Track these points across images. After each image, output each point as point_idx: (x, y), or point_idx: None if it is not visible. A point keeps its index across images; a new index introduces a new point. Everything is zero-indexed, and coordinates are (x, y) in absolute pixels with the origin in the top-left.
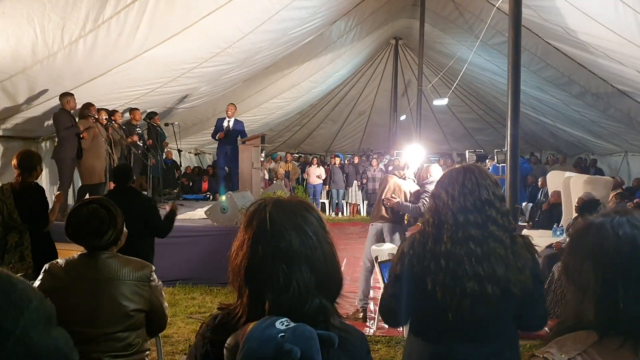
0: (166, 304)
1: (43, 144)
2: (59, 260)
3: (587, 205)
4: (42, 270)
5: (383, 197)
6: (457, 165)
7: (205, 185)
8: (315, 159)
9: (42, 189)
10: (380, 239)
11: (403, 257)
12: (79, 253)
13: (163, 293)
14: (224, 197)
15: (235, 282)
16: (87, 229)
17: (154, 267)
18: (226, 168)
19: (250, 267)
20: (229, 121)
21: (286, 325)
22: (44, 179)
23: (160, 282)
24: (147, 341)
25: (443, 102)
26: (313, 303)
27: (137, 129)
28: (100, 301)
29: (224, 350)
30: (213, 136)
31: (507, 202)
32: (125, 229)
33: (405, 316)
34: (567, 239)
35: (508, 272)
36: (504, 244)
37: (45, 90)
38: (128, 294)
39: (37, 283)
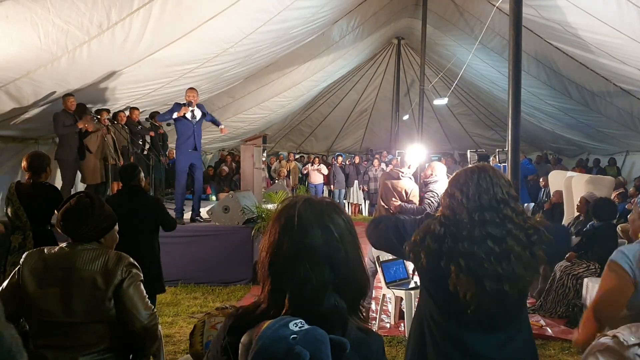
0: (145, 298)
1: (38, 145)
2: (38, 250)
3: (601, 206)
4: (22, 259)
5: (386, 205)
6: (470, 165)
7: (207, 186)
8: (317, 158)
9: (57, 191)
10: None
11: (416, 246)
12: (61, 245)
13: (141, 290)
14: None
15: (260, 275)
16: (70, 216)
17: (131, 260)
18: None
19: (274, 260)
20: (192, 110)
21: (300, 327)
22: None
23: (136, 273)
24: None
25: (443, 101)
26: (328, 302)
27: (139, 128)
28: (71, 289)
29: (240, 346)
30: (167, 117)
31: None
32: (116, 231)
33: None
34: None
35: (526, 273)
36: (522, 243)
37: (51, 93)
38: (99, 283)
39: (14, 273)
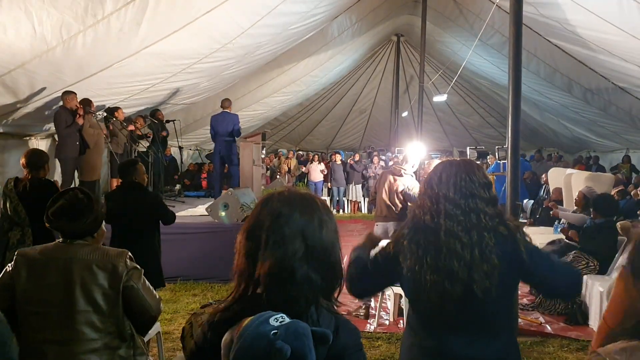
0: (152, 290)
1: (37, 142)
2: (34, 246)
3: (603, 202)
4: (15, 255)
5: (389, 201)
6: (443, 160)
7: (204, 183)
8: (316, 156)
9: (54, 186)
10: (386, 238)
11: (402, 247)
12: (55, 242)
13: (143, 279)
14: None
15: (239, 244)
16: (65, 212)
17: (129, 253)
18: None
19: (252, 228)
20: None
21: (280, 322)
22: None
23: (137, 267)
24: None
25: (442, 98)
26: (301, 270)
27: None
28: (72, 277)
29: (222, 345)
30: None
31: (504, 200)
32: (104, 227)
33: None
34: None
35: (474, 273)
36: (467, 242)
37: (44, 88)
38: (100, 272)
39: (10, 268)
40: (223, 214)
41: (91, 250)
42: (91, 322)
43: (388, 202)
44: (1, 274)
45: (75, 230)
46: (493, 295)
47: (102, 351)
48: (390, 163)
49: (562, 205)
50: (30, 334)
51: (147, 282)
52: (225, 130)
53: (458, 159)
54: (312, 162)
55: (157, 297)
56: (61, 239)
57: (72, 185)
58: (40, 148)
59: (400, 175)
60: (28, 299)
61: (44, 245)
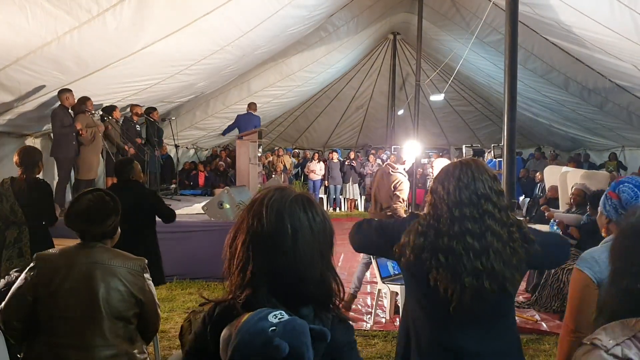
0: (158, 306)
1: (33, 140)
2: (51, 250)
3: (598, 199)
4: (34, 259)
5: (378, 199)
6: (455, 160)
7: (201, 181)
8: (316, 154)
9: (49, 187)
10: None
11: (404, 247)
12: (74, 244)
13: (154, 292)
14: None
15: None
16: (91, 213)
17: (146, 263)
18: None
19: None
20: None
21: (279, 319)
22: (40, 176)
23: (150, 280)
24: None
25: (439, 97)
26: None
27: (137, 126)
28: (95, 282)
29: (220, 341)
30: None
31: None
32: (119, 229)
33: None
34: (622, 224)
35: (505, 269)
36: (502, 238)
37: (42, 86)
38: (121, 278)
39: (30, 272)
40: (227, 206)
41: (113, 255)
42: (111, 328)
43: (378, 200)
44: (22, 280)
45: (98, 232)
46: (512, 290)
47: (120, 357)
48: (384, 157)
49: (558, 202)
50: (52, 339)
51: (156, 297)
52: (249, 130)
53: (464, 158)
54: (311, 161)
55: (159, 313)
56: (80, 242)
57: (69, 185)
58: (33, 146)
59: (390, 174)
60: (50, 304)
61: (63, 248)
